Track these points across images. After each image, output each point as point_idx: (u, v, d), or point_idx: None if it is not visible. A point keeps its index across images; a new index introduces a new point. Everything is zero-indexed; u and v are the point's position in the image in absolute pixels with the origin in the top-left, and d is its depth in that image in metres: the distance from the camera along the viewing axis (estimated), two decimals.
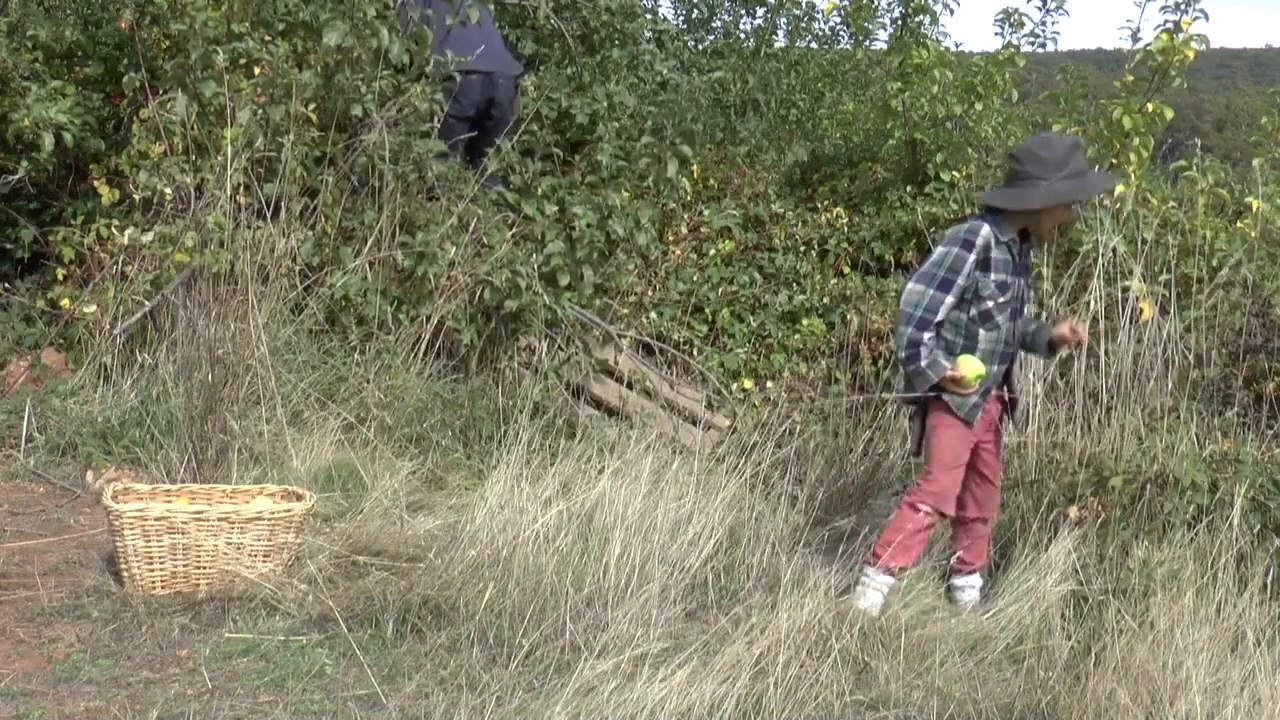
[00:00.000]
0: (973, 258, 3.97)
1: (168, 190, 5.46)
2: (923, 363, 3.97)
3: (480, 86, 6.34)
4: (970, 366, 3.98)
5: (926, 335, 3.97)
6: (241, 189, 5.37)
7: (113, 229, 5.61)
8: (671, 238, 6.82)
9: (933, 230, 6.34)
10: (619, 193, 6.32)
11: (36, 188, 6.12)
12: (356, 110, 5.85)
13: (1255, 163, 6.14)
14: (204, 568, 3.80)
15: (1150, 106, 6.04)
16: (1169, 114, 6.06)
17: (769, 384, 6.22)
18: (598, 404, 5.94)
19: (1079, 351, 5.14)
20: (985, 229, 3.98)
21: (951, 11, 7.43)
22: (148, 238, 5.44)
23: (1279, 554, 4.12)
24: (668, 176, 6.58)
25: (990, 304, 4.01)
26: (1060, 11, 7.37)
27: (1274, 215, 5.92)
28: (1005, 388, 4.22)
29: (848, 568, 4.24)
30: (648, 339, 6.32)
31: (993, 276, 4.00)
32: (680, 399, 6.05)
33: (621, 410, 5.90)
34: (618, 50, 7.67)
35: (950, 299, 3.97)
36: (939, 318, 3.97)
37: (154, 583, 3.78)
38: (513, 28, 7.49)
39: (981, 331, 4.03)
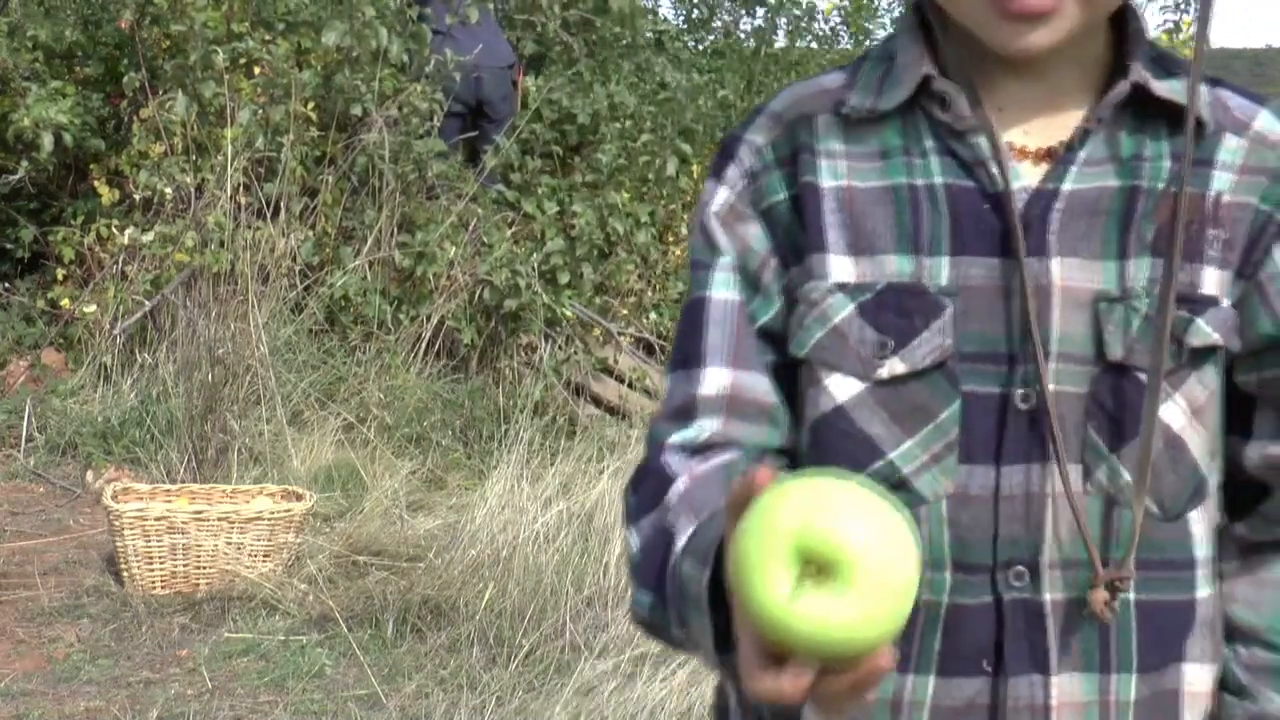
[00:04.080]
0: (719, 202, 0.99)
1: (168, 190, 5.47)
2: (633, 545, 0.96)
3: (465, 84, 6.32)
4: (748, 583, 0.72)
5: (672, 489, 0.94)
6: (241, 189, 5.37)
7: (113, 229, 5.61)
8: (671, 238, 6.82)
9: None
10: (619, 192, 6.32)
11: (36, 188, 6.12)
12: (356, 110, 5.85)
13: None
14: (204, 568, 3.80)
15: None
16: None
17: None
18: (598, 402, 5.94)
19: None
20: (781, 98, 1.01)
21: None
22: (148, 238, 5.44)
23: None
24: (668, 174, 6.59)
25: (839, 383, 0.95)
26: None
27: None
28: None
29: None
30: (648, 336, 6.32)
31: (832, 266, 0.95)
32: None
33: (622, 409, 5.90)
34: (626, 62, 7.68)
35: (711, 369, 0.97)
36: (680, 436, 0.97)
37: (154, 583, 3.78)
38: (512, 29, 7.50)
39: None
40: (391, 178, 5.81)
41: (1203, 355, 0.94)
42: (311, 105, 5.72)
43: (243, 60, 5.72)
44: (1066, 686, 0.93)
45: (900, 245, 0.94)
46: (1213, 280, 0.94)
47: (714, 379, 0.96)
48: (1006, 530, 0.92)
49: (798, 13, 9.55)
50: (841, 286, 0.94)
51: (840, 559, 0.71)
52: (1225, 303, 0.95)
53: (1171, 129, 0.95)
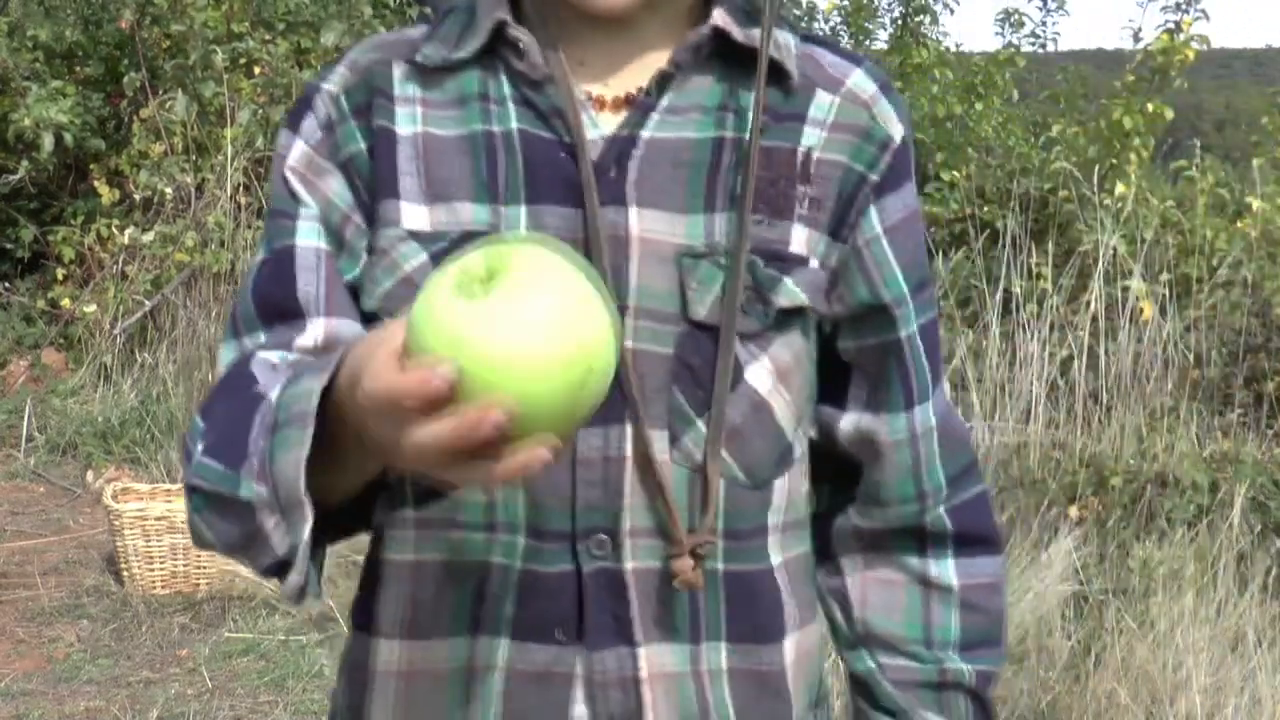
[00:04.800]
0: (296, 156, 0.93)
1: (168, 190, 5.47)
2: (200, 427, 0.86)
3: None
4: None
5: (201, 443, 0.84)
6: (241, 189, 5.37)
7: (113, 229, 5.62)
8: None
9: (932, 230, 6.34)
10: None
11: (37, 188, 6.12)
12: None
13: (1255, 163, 6.14)
14: (204, 568, 3.81)
15: (1150, 106, 6.05)
16: (1169, 114, 6.06)
17: None
18: None
19: (1078, 353, 5.14)
20: (360, 47, 0.97)
21: (951, 11, 7.45)
22: (148, 237, 5.44)
23: (1279, 554, 4.12)
24: None
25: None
26: (1060, 11, 7.38)
27: (1274, 215, 5.92)
28: None
29: None
30: None
31: (404, 213, 0.91)
32: None
33: None
34: None
35: (309, 321, 0.91)
36: (272, 355, 0.88)
37: (154, 583, 3.78)
38: None
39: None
40: None
41: (791, 316, 0.90)
42: None
43: (243, 60, 5.72)
44: (655, 658, 0.89)
45: (477, 194, 0.89)
46: (801, 239, 0.90)
47: (311, 330, 0.90)
48: (585, 496, 0.87)
49: (798, 12, 9.57)
50: (414, 235, 0.89)
51: (504, 267, 0.64)
52: (814, 263, 0.91)
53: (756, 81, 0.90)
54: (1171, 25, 6.07)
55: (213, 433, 0.83)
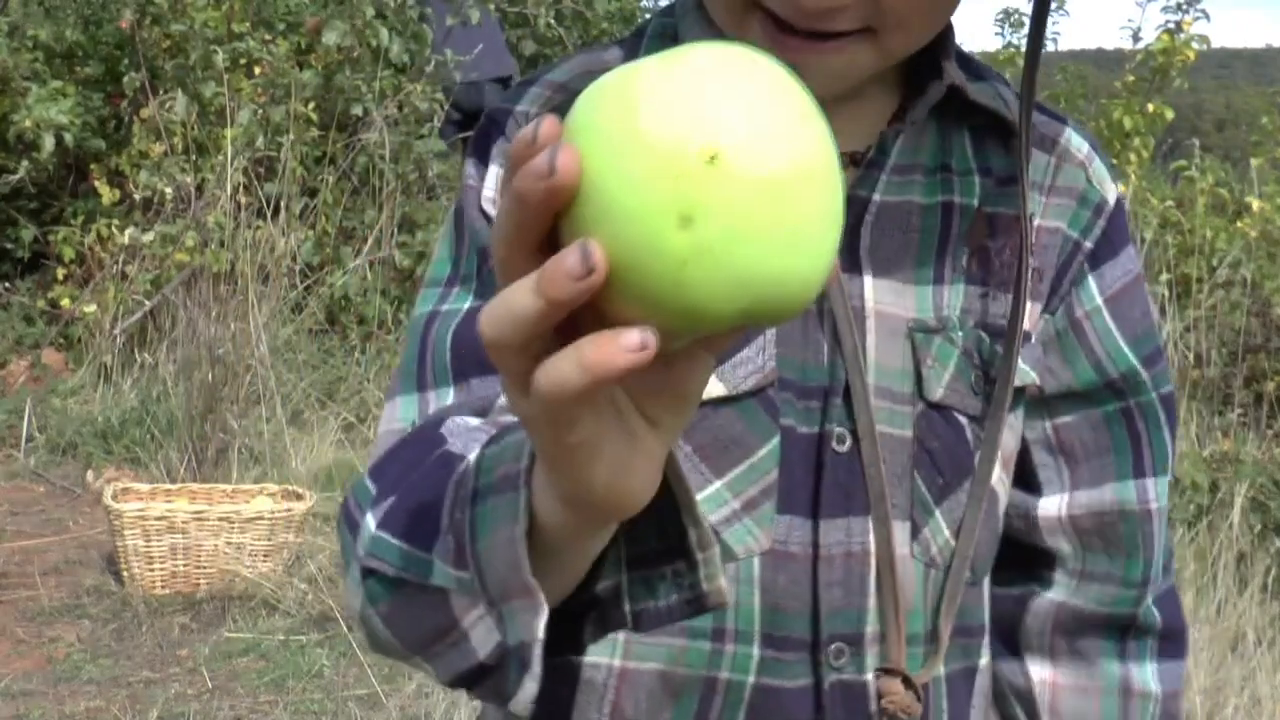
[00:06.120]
0: (491, 183, 0.82)
1: (168, 190, 5.47)
2: (370, 519, 0.67)
3: (466, 92, 6.34)
4: None
5: (372, 513, 0.67)
6: (241, 189, 5.37)
7: (113, 229, 5.62)
8: None
9: None
10: None
11: (37, 188, 6.12)
12: (356, 110, 5.86)
13: (1255, 163, 6.14)
14: (204, 568, 3.81)
15: (1150, 107, 6.05)
16: (1169, 114, 6.06)
17: None
18: None
19: None
20: (560, 69, 0.88)
21: None
22: (148, 237, 5.44)
23: (1279, 554, 4.12)
24: None
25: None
26: (1060, 11, 7.38)
27: (1274, 215, 5.92)
28: None
29: None
30: None
31: None
32: None
33: None
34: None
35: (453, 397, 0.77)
36: (470, 420, 0.70)
37: (154, 583, 3.79)
38: (513, 27, 7.51)
39: None
40: (391, 178, 5.82)
41: (1017, 398, 0.84)
42: (311, 105, 5.73)
43: (243, 60, 5.73)
44: None
45: None
46: (1030, 314, 0.83)
47: (443, 396, 0.76)
48: (828, 598, 0.78)
49: None
50: None
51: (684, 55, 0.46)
52: (1034, 339, 0.84)
53: (978, 140, 0.84)
54: (1171, 25, 6.07)
55: (389, 500, 0.66)
